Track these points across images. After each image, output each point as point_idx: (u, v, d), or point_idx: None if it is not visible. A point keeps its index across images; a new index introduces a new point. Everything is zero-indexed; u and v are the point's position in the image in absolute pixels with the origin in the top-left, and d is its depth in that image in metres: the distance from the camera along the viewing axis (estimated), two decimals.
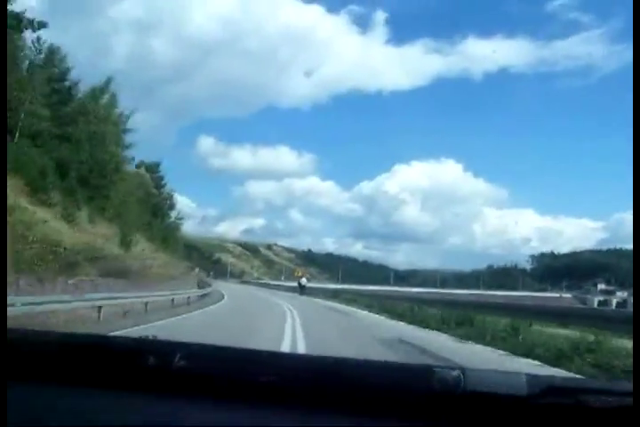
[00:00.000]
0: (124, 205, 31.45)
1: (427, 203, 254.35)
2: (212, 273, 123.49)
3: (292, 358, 1.08)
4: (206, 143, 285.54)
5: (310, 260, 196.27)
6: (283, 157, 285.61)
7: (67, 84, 28.84)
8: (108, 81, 32.03)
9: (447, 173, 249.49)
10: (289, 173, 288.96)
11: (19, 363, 0.98)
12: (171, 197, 59.39)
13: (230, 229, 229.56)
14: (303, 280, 39.57)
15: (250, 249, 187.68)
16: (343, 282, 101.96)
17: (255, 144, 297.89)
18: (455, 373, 0.83)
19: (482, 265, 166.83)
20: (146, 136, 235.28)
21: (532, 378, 0.83)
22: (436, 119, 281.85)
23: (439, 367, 0.85)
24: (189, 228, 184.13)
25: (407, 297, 23.79)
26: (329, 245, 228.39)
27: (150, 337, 1.17)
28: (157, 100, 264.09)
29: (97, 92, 30.74)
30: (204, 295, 25.91)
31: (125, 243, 25.76)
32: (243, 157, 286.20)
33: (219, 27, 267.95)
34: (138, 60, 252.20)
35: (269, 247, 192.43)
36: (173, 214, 59.53)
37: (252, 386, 0.90)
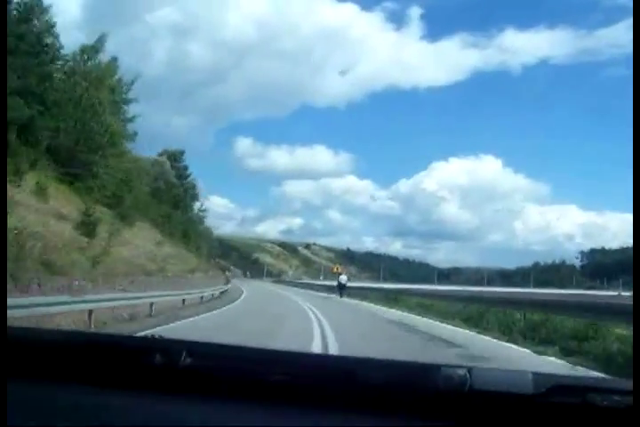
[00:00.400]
0: (124, 187, 26.11)
1: (466, 200, 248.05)
2: (248, 273, 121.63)
3: (299, 356, 1.05)
4: (243, 144, 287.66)
5: (349, 258, 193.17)
6: (319, 156, 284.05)
7: (49, 40, 23.48)
8: (102, 39, 26.91)
9: (486, 169, 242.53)
10: (326, 173, 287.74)
11: (23, 361, 0.98)
12: (193, 186, 54.66)
13: (269, 229, 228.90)
14: (343, 278, 31.12)
15: (288, 249, 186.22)
16: (385, 281, 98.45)
17: (292, 144, 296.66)
18: (461, 371, 0.83)
19: (523, 262, 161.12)
20: (184, 138, 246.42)
21: (539, 377, 0.83)
22: (474, 115, 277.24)
23: (446, 366, 0.85)
24: (229, 229, 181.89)
25: (475, 297, 15.92)
26: (368, 243, 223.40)
27: (157, 336, 1.17)
28: (195, 103, 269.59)
29: (87, 51, 25.20)
30: (217, 294, 23.06)
31: (114, 230, 20.12)
32: (280, 157, 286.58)
33: (253, 28, 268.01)
34: (176, 64, 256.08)
35: (308, 247, 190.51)
36: (197, 207, 55.44)
37: (259, 385, 0.90)
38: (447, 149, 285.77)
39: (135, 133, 32.63)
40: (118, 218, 23.72)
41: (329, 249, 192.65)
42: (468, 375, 0.82)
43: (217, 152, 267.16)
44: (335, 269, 41.81)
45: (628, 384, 0.82)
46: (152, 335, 1.17)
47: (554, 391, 0.80)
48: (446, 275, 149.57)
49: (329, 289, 35.94)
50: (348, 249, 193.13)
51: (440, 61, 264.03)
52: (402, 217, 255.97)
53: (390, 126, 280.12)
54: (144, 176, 33.56)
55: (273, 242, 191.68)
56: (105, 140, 23.47)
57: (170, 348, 0.99)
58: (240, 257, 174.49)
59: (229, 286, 30.94)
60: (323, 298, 28.10)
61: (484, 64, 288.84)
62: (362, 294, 28.18)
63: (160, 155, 45.87)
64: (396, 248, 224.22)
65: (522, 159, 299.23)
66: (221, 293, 24.11)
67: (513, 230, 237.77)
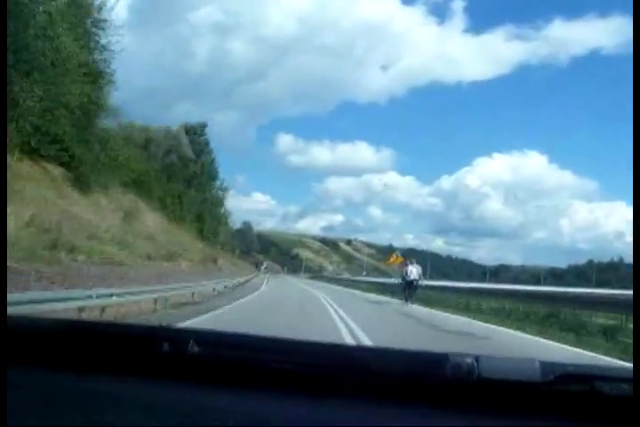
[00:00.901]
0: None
1: (510, 197, 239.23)
2: (285, 268, 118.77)
3: (307, 345, 1.02)
4: (285, 141, 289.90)
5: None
6: (361, 152, 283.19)
7: None
8: None
9: (531, 165, 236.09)
10: (368, 169, 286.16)
11: (28, 349, 0.98)
12: (212, 161, 46.92)
13: (310, 225, 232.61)
14: (413, 272, 17.97)
15: (329, 244, 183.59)
16: (431, 278, 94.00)
17: (333, 140, 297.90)
18: (469, 360, 0.83)
19: (569, 260, 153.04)
20: (226, 136, 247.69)
21: (546, 365, 0.83)
22: (519, 109, 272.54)
23: (453, 355, 0.85)
24: (270, 225, 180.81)
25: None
26: (409, 240, 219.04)
27: (164, 325, 1.20)
28: (236, 100, 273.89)
29: None
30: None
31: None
32: (321, 153, 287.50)
33: (295, 24, 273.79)
34: (218, 62, 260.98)
35: (349, 242, 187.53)
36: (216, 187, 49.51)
37: (268, 374, 0.90)
38: (491, 145, 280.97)
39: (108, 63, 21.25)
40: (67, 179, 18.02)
41: (370, 245, 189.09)
42: (475, 364, 0.82)
43: (259, 149, 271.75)
44: (394, 259, 28.71)
45: (631, 373, 0.83)
46: (160, 324, 0.92)
47: (561, 379, 0.81)
48: (493, 273, 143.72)
49: (379, 288, 29.45)
50: (390, 245, 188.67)
51: (484, 55, 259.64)
52: (444, 214, 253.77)
53: (433, 122, 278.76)
54: (154, 147, 29.55)
55: (314, 238, 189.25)
56: (47, 61, 15.42)
57: (177, 336, 1.00)
58: (280, 252, 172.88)
59: (238, 280, 26.51)
60: (377, 305, 17.65)
61: (530, 57, 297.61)
62: (433, 297, 19.02)
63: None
64: (437, 245, 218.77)
65: (568, 155, 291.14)
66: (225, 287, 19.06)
67: (559, 228, 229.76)
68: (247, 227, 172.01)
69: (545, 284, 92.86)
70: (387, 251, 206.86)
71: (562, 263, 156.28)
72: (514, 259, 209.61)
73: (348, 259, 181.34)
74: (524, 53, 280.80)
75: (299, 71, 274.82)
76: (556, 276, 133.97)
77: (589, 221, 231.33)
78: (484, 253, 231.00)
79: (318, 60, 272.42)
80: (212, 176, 49.07)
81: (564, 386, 0.81)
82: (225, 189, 54.86)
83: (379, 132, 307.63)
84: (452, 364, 0.83)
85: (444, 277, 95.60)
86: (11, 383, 0.85)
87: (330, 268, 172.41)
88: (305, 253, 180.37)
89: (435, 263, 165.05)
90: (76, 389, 0.90)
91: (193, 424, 0.80)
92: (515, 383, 0.81)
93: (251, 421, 0.81)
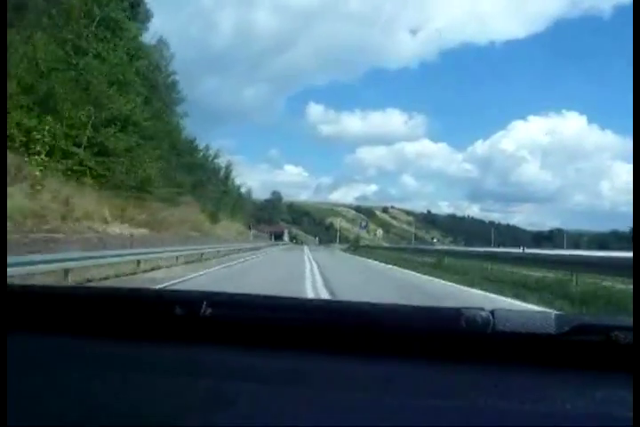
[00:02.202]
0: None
1: (547, 160, 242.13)
2: (317, 238, 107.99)
3: (319, 303, 1.05)
4: (315, 111, 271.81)
5: (431, 222, 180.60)
6: (393, 119, 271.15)
7: None
8: None
9: (569, 126, 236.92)
10: (400, 137, 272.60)
11: (41, 316, 0.99)
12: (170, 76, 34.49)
13: (344, 196, 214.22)
14: None
15: (364, 212, 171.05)
16: (497, 246, 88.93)
17: (364, 109, 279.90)
18: (484, 313, 0.84)
19: (609, 225, 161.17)
20: (255, 108, 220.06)
21: (561, 317, 0.84)
22: (557, 68, 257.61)
23: (467, 308, 0.85)
24: (303, 197, 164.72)
25: None
26: (444, 208, 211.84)
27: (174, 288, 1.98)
28: (264, 72, 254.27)
29: None
30: None
31: None
32: (353, 122, 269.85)
33: None
34: (243, 34, 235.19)
35: (385, 210, 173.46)
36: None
37: (280, 332, 0.91)
38: (527, 107, 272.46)
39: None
40: None
41: (408, 212, 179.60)
42: (490, 317, 0.82)
43: (289, 121, 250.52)
44: None
45: None
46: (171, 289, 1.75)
47: (577, 330, 0.81)
48: (547, 237, 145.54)
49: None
50: (429, 212, 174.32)
51: (519, 11, 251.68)
52: (479, 180, 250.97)
53: (465, 86, 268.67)
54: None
55: (348, 206, 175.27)
56: None
57: (190, 298, 1.00)
58: (312, 222, 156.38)
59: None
60: None
61: (570, 9, 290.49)
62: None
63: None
64: (473, 212, 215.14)
65: (610, 114, 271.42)
66: None
67: (599, 191, 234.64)
68: (276, 197, 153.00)
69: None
70: (425, 218, 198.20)
71: (603, 228, 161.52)
72: (552, 224, 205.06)
73: (386, 227, 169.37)
74: (563, 6, 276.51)
75: (326, 39, 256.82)
76: (618, 239, 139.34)
77: (631, 182, 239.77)
78: (521, 218, 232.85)
79: (345, 27, 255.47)
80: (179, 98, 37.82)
81: (579, 337, 0.81)
82: (217, 156, 51.21)
83: (410, 98, 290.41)
84: (467, 317, 0.83)
85: (501, 245, 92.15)
86: (17, 348, 0.87)
87: (367, 237, 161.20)
88: (339, 223, 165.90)
89: (478, 230, 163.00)
90: (90, 353, 0.90)
91: (211, 384, 0.79)
92: (530, 335, 0.81)
93: (269, 377, 0.80)
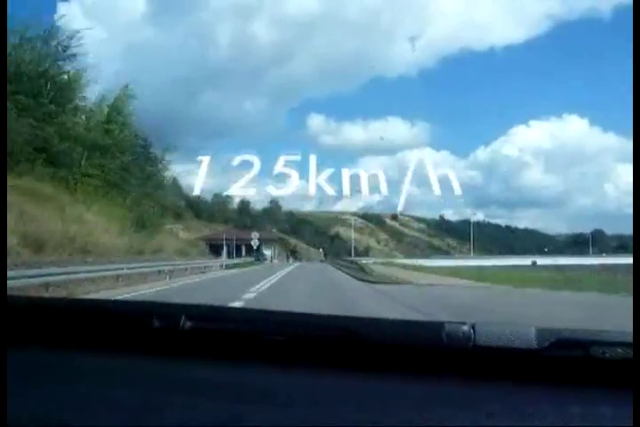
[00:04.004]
0: None
1: (550, 164, 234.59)
2: (322, 250, 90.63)
3: (300, 317, 1.02)
4: (316, 122, 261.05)
5: (445, 230, 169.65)
6: (395, 128, 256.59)
7: None
8: None
9: (571, 130, 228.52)
10: (402, 146, 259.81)
11: (21, 329, 0.97)
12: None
13: (348, 207, 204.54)
14: None
15: (372, 221, 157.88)
16: (504, 255, 76.70)
17: (366, 118, 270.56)
18: (465, 327, 0.83)
19: (615, 228, 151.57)
20: (256, 122, 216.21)
21: (542, 331, 0.84)
22: (556, 72, 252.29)
23: (449, 323, 0.85)
24: (307, 209, 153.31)
25: None
26: (449, 216, 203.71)
27: (153, 300, 1.16)
28: (264, 84, 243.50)
29: None
30: None
31: None
32: (355, 132, 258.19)
33: (316, 1, 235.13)
34: (242, 47, 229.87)
35: (395, 217, 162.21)
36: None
37: (261, 347, 0.90)
38: (527, 112, 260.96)
39: None
40: None
41: (419, 219, 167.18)
42: (471, 331, 0.82)
43: (291, 132, 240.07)
44: None
45: (629, 337, 0.83)
46: (150, 300, 1.15)
47: (557, 345, 0.81)
48: (584, 242, 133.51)
49: None
50: (442, 218, 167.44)
51: (517, 16, 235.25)
52: (482, 186, 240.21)
53: (466, 92, 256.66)
54: None
55: (354, 214, 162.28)
56: None
57: (169, 311, 0.99)
58: (315, 232, 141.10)
59: None
60: None
61: (569, 12, 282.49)
62: None
63: None
64: (478, 219, 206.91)
65: (611, 116, 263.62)
66: None
67: (603, 194, 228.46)
68: (274, 205, 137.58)
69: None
70: (439, 225, 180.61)
71: (608, 230, 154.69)
72: (559, 228, 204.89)
73: (397, 236, 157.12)
74: (562, 9, 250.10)
75: (325, 50, 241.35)
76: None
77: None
78: (527, 224, 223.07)
79: (344, 37, 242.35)
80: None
81: (560, 352, 0.81)
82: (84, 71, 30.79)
83: (411, 106, 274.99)
84: (448, 332, 0.83)
85: (521, 253, 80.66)
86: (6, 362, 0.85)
87: (377, 247, 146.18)
88: (346, 233, 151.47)
89: (498, 236, 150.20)
90: (67, 366, 0.88)
91: (188, 399, 0.76)
92: (511, 350, 0.81)
93: (246, 394, 0.78)
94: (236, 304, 9.90)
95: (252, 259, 49.92)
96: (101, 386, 0.80)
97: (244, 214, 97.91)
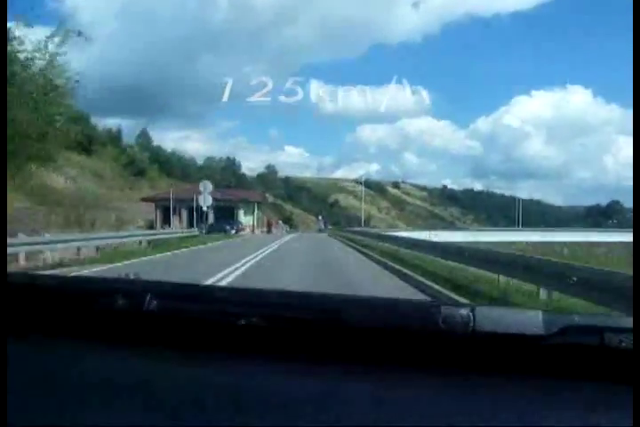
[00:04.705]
0: None
1: (552, 135, 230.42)
2: (322, 220, 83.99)
3: (282, 295, 0.92)
4: (316, 89, 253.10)
5: (449, 198, 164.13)
6: (395, 96, 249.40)
7: None
8: None
9: (574, 100, 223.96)
10: (402, 114, 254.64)
11: None
12: None
13: (346, 175, 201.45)
14: None
15: (374, 188, 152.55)
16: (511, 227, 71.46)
17: (366, 85, 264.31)
18: (464, 311, 0.77)
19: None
20: (255, 88, 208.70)
21: (550, 316, 0.77)
22: (562, 42, 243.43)
23: (447, 305, 0.79)
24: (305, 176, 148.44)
25: None
26: (448, 185, 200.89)
27: (124, 276, 1.08)
28: (263, 50, 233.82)
29: None
30: None
31: None
32: (354, 100, 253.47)
33: None
34: (241, 9, 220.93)
35: (396, 185, 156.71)
36: None
37: (234, 329, 0.81)
38: (530, 81, 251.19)
39: None
40: None
41: (421, 188, 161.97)
42: (471, 315, 0.75)
43: (289, 99, 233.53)
44: None
45: None
46: (115, 277, 1.04)
47: (567, 331, 0.74)
48: (605, 214, 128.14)
49: None
50: (445, 187, 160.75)
51: None
52: (482, 157, 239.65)
53: (468, 60, 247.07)
54: None
55: (355, 181, 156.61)
56: None
57: (132, 289, 0.91)
58: (314, 199, 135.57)
59: None
60: None
61: None
62: None
63: None
64: (481, 189, 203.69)
65: (615, 87, 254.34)
66: None
67: (603, 166, 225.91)
68: (270, 171, 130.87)
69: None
70: (442, 194, 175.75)
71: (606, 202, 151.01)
72: (554, 200, 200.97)
73: (399, 204, 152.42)
74: None
75: (326, 15, 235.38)
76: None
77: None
78: (524, 195, 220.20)
79: (346, 2, 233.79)
80: None
81: (570, 338, 0.74)
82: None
83: (413, 74, 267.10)
84: (445, 315, 0.76)
85: (532, 225, 76.01)
86: None
87: (379, 216, 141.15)
88: (346, 200, 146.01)
89: (500, 207, 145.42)
90: (13, 354, 0.79)
91: (152, 391, 0.71)
92: (515, 336, 0.74)
93: (217, 385, 0.72)
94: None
95: (202, 229, 32.51)
96: (45, 379, 0.72)
97: (230, 175, 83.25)
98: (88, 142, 41.82)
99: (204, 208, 30.03)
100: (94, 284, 1.05)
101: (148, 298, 0.83)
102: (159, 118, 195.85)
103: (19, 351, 0.79)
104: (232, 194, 48.13)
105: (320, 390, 0.70)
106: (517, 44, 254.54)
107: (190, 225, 37.56)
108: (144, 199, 41.99)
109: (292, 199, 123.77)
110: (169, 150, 64.36)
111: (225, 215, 41.63)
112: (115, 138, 58.77)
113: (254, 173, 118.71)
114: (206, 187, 30.48)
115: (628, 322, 0.75)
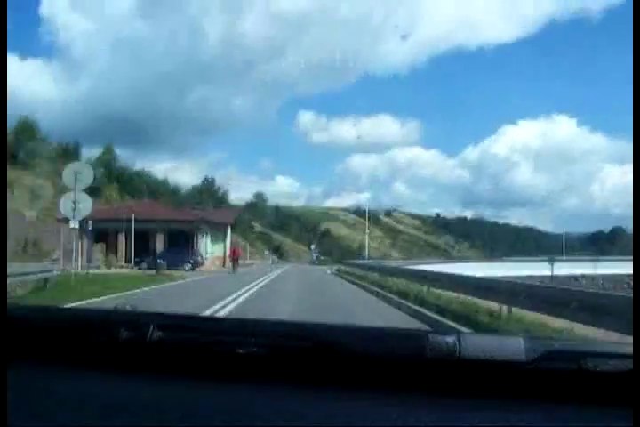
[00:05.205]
0: None
1: (539, 164, 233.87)
2: (313, 246, 79.79)
3: (278, 325, 0.98)
4: (306, 119, 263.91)
5: (441, 227, 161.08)
6: (385, 126, 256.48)
7: None
8: None
9: (559, 129, 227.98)
10: (392, 144, 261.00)
11: None
12: None
13: (336, 205, 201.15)
14: None
15: (365, 216, 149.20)
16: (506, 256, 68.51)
17: (356, 116, 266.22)
18: (450, 338, 0.79)
19: (601, 227, 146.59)
20: (245, 119, 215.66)
21: (531, 342, 0.80)
22: (546, 72, 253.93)
23: (434, 333, 0.82)
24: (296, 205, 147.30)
25: None
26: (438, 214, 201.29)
27: (127, 307, 1.10)
28: (254, 81, 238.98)
29: None
30: None
31: None
32: (344, 130, 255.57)
33: None
34: (231, 42, 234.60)
35: (389, 214, 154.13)
36: None
37: (234, 358, 0.85)
38: (516, 112, 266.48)
39: None
40: None
41: (414, 216, 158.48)
42: (457, 342, 0.78)
43: (280, 130, 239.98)
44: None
45: (623, 348, 0.79)
46: (115, 307, 1.08)
47: (548, 357, 0.77)
48: (610, 240, 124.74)
49: None
50: (438, 215, 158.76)
51: (509, 14, 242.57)
52: (471, 186, 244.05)
53: (456, 91, 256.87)
54: None
55: (345, 209, 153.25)
56: None
57: (136, 320, 0.92)
58: (304, 229, 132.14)
59: None
60: None
61: (561, 12, 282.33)
62: None
63: None
64: (475, 217, 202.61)
65: (599, 116, 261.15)
66: None
67: (590, 194, 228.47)
68: (260, 199, 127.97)
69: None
70: (435, 222, 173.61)
71: (594, 229, 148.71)
72: (544, 227, 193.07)
73: (392, 233, 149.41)
74: (555, 8, 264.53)
75: (316, 46, 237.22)
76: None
77: (623, 184, 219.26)
78: (514, 223, 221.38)
79: (335, 34, 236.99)
80: None
81: (550, 364, 0.77)
82: None
83: (401, 105, 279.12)
84: (432, 343, 0.78)
85: (524, 254, 73.46)
86: None
87: (372, 245, 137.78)
88: (337, 229, 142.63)
89: (496, 235, 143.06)
90: (20, 385, 0.80)
91: (157, 419, 0.72)
92: (498, 362, 0.77)
93: (219, 412, 0.74)
94: None
95: (144, 263, 25.65)
96: (51, 409, 0.73)
97: (205, 196, 70.94)
98: (26, 155, 36.29)
99: (72, 223, 16.00)
100: (98, 316, 1.06)
101: (151, 329, 0.85)
102: (150, 149, 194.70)
103: (20, 383, 0.80)
104: (190, 214, 34.80)
105: (315, 414, 0.73)
106: (503, 75, 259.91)
107: (137, 257, 27.26)
108: (61, 220, 23.47)
109: (282, 228, 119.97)
110: (135, 169, 57.28)
111: (181, 242, 31.10)
112: (70, 153, 49.97)
113: (243, 202, 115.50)
114: (79, 172, 15.83)
115: (604, 347, 0.80)
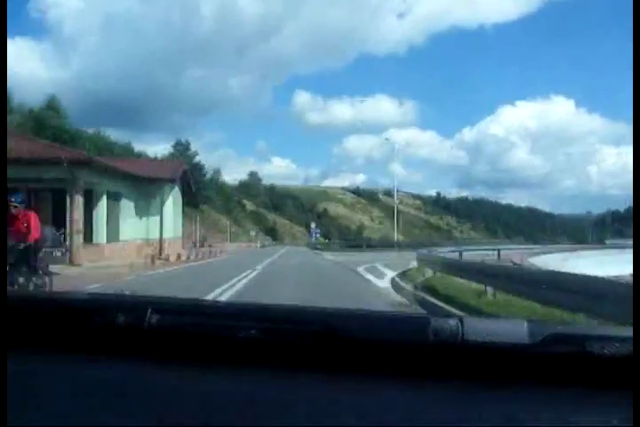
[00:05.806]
0: None
1: (537, 145, 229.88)
2: (314, 226, 73.50)
3: (279, 309, 0.97)
4: (302, 99, 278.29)
5: (443, 207, 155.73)
6: (382, 107, 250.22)
7: None
8: None
9: (557, 110, 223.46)
10: (388, 125, 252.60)
11: None
12: None
13: (333, 186, 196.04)
14: None
15: (365, 196, 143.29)
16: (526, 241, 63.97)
17: (353, 96, 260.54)
18: (452, 322, 0.79)
19: (597, 208, 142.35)
20: (242, 99, 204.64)
21: (534, 326, 0.80)
22: (545, 52, 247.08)
23: (436, 317, 0.82)
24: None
25: None
26: (434, 196, 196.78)
27: (126, 292, 1.06)
28: (250, 60, 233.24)
29: None
30: None
31: None
32: (341, 110, 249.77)
33: None
34: (227, 20, 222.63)
35: (389, 193, 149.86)
36: None
37: (234, 342, 0.84)
38: (515, 92, 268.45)
39: None
40: None
41: (415, 196, 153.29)
42: (459, 326, 0.78)
43: (276, 110, 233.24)
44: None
45: (627, 331, 0.79)
46: (114, 293, 1.05)
47: (550, 340, 0.77)
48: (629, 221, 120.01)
49: None
50: (439, 195, 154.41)
51: None
52: (468, 167, 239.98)
53: (453, 70, 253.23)
54: None
55: (344, 189, 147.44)
56: None
57: (133, 305, 0.92)
58: (301, 209, 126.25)
59: None
60: None
61: None
62: None
63: None
64: (475, 196, 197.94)
65: (596, 98, 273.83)
66: None
67: (587, 175, 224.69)
68: (253, 178, 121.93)
69: None
70: (435, 202, 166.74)
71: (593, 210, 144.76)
72: (542, 208, 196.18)
73: (393, 214, 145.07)
74: None
75: (313, 24, 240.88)
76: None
77: (619, 165, 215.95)
78: (512, 203, 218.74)
79: (332, 11, 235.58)
80: None
81: (553, 347, 0.77)
82: None
83: (399, 85, 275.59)
84: (434, 326, 0.78)
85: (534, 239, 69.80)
86: None
87: (372, 226, 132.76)
88: (335, 209, 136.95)
89: (497, 215, 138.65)
90: (18, 370, 0.79)
91: (155, 407, 0.71)
92: (501, 345, 0.77)
93: (216, 400, 0.74)
94: None
95: None
96: (48, 396, 0.73)
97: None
98: None
99: None
100: (95, 300, 1.07)
101: (149, 313, 0.84)
102: (145, 130, 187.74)
103: (18, 367, 0.80)
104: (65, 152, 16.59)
105: (317, 399, 0.73)
106: (501, 55, 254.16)
107: None
108: None
109: (277, 208, 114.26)
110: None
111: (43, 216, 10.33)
112: None
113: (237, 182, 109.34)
114: None
115: (607, 331, 0.81)
